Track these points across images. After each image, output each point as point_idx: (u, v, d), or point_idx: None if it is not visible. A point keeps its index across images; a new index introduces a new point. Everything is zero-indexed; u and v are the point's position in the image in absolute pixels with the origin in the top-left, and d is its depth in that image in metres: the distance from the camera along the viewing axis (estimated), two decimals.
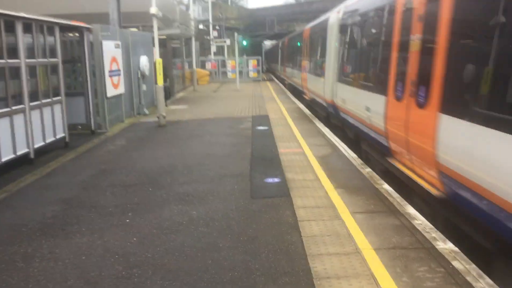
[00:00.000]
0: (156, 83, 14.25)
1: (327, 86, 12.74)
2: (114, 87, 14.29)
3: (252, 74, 34.90)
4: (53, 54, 10.72)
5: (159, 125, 14.02)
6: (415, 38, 6.20)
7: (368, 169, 7.83)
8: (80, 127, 13.43)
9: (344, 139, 10.86)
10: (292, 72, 25.11)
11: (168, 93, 19.79)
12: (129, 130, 13.55)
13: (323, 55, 14.14)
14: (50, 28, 10.57)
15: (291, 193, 6.58)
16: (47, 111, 10.25)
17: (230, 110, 17.33)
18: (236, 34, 27.81)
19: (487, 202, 4.16)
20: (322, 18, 15.96)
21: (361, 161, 8.43)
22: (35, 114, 9.73)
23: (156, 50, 14.15)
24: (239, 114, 15.97)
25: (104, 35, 13.75)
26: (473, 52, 4.75)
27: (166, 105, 19.25)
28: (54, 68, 10.83)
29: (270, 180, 7.35)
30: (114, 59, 14.28)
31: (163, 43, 25.00)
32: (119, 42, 14.83)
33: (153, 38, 19.18)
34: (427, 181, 5.73)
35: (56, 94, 10.85)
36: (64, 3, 24.12)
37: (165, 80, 24.68)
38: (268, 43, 74.67)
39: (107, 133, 13.02)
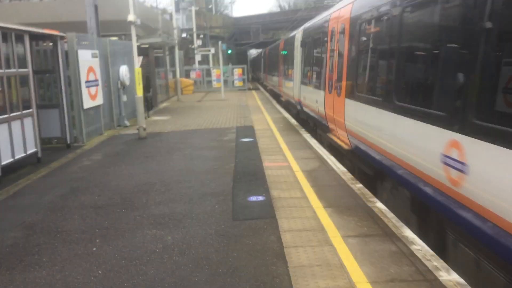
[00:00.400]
0: (137, 93, 13.64)
1: (295, 88, 16.08)
2: (92, 98, 13.65)
3: (237, 83, 34.41)
4: (23, 64, 10.08)
5: (139, 137, 13.40)
6: (334, 55, 9.84)
7: (359, 185, 7.32)
8: (55, 140, 12.78)
9: (330, 150, 10.39)
10: (271, 78, 28.76)
11: (151, 104, 19.17)
12: (107, 143, 12.90)
13: (292, 64, 17.11)
14: (19, 36, 9.93)
15: (277, 214, 6.03)
16: (16, 125, 9.58)
17: (214, 120, 16.77)
18: (220, 42, 27.29)
19: (365, 147, 7.30)
20: (292, 33, 18.87)
21: (351, 176, 7.93)
22: (2, 129, 9.06)
23: (135, 59, 13.57)
24: (223, 125, 15.42)
25: (81, 43, 13.14)
26: (354, 66, 8.17)
27: (148, 116, 18.66)
28: (24, 79, 10.19)
29: (253, 198, 6.79)
30: (91, 69, 13.65)
31: (145, 52, 24.44)
32: (96, 51, 14.21)
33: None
34: (344, 142, 9.08)
35: (27, 106, 10.20)
36: (42, 12, 23.48)
37: (148, 90, 24.14)
38: (253, 52, 74.43)
39: (83, 147, 12.36)
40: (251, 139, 12.21)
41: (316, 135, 12.85)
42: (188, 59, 42.50)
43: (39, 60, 12.76)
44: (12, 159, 9.33)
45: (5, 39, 9.44)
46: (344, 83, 8.76)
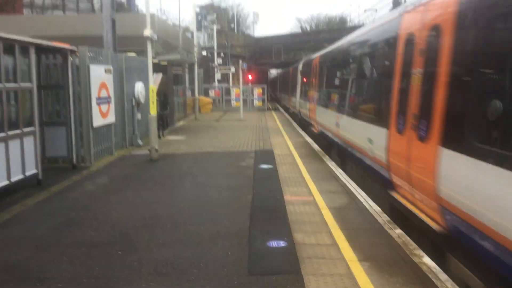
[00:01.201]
0: (151, 112, 12.80)
1: (297, 102, 24.26)
2: (103, 116, 12.85)
3: (257, 103, 33.59)
4: (26, 78, 9.31)
5: (151, 159, 12.51)
6: (318, 81, 16.05)
7: (398, 231, 6.22)
8: (61, 160, 11.96)
9: (359, 183, 9.30)
10: (283, 96, 36.92)
11: (166, 122, 18.37)
12: (116, 165, 12.03)
13: (296, 85, 25.01)
14: (24, 48, 9.19)
15: (302, 268, 4.97)
16: (14, 144, 8.73)
17: (232, 143, 15.83)
18: (240, 61, 26.59)
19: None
20: (297, 63, 26.70)
21: (388, 218, 6.82)
22: None
23: (150, 76, 12.76)
24: (241, 148, 14.46)
25: (93, 57, 12.41)
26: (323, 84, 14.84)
27: (163, 135, 17.84)
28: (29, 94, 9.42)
29: (274, 243, 5.75)
30: (103, 85, 12.89)
31: (164, 69, 23.80)
32: (110, 67, 13.47)
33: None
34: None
35: (30, 123, 9.39)
36: (61, 25, 23.09)
37: (165, 108, 23.40)
38: (273, 72, 73.97)
39: (90, 168, 11.50)
40: (271, 166, 11.19)
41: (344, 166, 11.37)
42: (208, 77, 42.00)
43: (49, 74, 12.06)
44: (7, 182, 8.47)
45: (9, 51, 8.70)
46: (312, 98, 16.29)
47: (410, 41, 6.40)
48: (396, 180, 6.59)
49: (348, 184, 9.16)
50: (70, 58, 11.41)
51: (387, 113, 7.06)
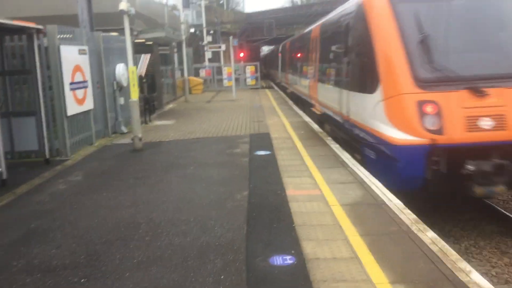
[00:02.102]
0: (132, 96, 11.45)
1: (281, 75, 30.84)
2: (78, 102, 11.52)
3: (250, 81, 32.12)
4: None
5: (134, 149, 11.23)
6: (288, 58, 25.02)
7: (431, 234, 5.03)
8: (33, 155, 10.67)
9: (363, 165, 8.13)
10: (273, 72, 41.59)
11: (153, 106, 17.00)
12: (95, 157, 10.75)
13: (278, 61, 32.10)
14: None
15: None
16: None
17: (224, 126, 14.55)
18: (231, 38, 25.08)
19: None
20: (282, 43, 32.51)
21: (415, 217, 5.62)
22: None
23: (130, 55, 11.37)
24: (235, 132, 13.19)
25: (64, 38, 11.02)
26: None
27: (150, 121, 16.53)
28: None
29: (278, 260, 4.54)
30: (78, 68, 11.51)
31: (149, 50, 22.32)
32: (85, 48, 12.08)
33: (133, 43, 16.53)
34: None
35: None
36: (35, 4, 21.41)
37: (153, 91, 22.00)
38: (265, 48, 72.01)
39: (65, 162, 10.23)
40: (268, 152, 9.95)
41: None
42: (198, 56, 40.32)
43: (14, 58, 10.69)
44: None
45: None
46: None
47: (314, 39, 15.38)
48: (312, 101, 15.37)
49: (358, 171, 7.94)
50: (36, 39, 10.02)
51: (308, 72, 16.38)
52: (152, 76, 22.95)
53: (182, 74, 27.41)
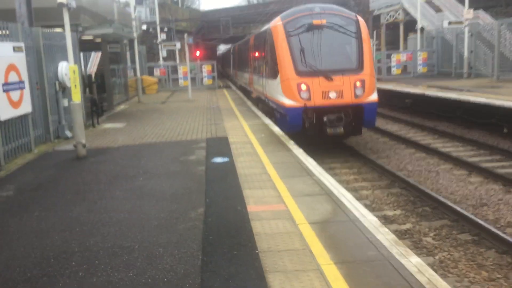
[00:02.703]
0: (73, 99, 10.31)
1: (232, 72, 35.05)
2: (13, 105, 10.28)
3: (206, 81, 31.12)
4: None
5: (77, 157, 10.12)
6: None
7: (415, 259, 4.36)
8: None
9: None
10: (229, 71, 41.94)
11: (101, 108, 15.79)
12: (32, 167, 9.58)
13: (230, 60, 36.10)
14: None
15: None
16: None
17: (179, 129, 13.59)
18: (186, 35, 24.03)
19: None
20: (232, 46, 37.18)
21: (394, 237, 4.94)
22: None
23: (70, 52, 10.24)
24: (190, 136, 12.27)
25: None
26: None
27: (98, 124, 15.32)
28: None
29: None
30: (12, 67, 10.27)
31: (97, 47, 20.98)
32: (21, 44, 10.83)
33: (78, 40, 15.30)
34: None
35: None
36: None
37: (103, 91, 20.68)
38: (222, 47, 71.01)
39: None
40: (226, 159, 9.12)
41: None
42: (153, 55, 38.92)
43: None
44: None
45: None
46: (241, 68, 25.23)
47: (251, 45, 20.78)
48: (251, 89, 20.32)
49: (325, 181, 7.25)
50: None
51: (247, 68, 21.55)
52: (102, 76, 21.66)
53: (135, 73, 26.12)
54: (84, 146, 10.17)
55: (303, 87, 12.22)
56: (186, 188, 7.21)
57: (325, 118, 12.28)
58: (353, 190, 9.98)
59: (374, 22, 38.32)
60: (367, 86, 12.45)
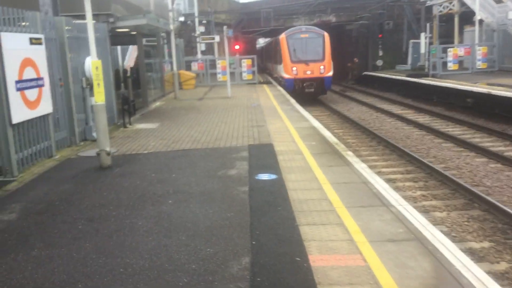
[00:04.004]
0: (95, 99, 8.91)
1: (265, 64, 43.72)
2: (30, 106, 8.99)
3: (246, 76, 29.52)
4: None
5: (101, 166, 8.75)
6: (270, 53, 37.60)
7: None
8: None
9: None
10: (270, 65, 43.38)
11: (133, 106, 14.45)
12: (48, 178, 8.25)
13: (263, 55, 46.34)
14: None
15: None
16: None
17: (217, 132, 12.07)
18: (225, 27, 22.51)
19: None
20: (268, 39, 48.86)
21: None
22: None
23: (92, 45, 8.84)
24: (229, 142, 10.71)
25: (9, 22, 8.47)
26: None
27: (130, 124, 14.01)
28: None
29: None
30: (28, 62, 8.98)
31: (132, 40, 19.74)
32: (40, 36, 9.54)
33: (108, 31, 14.01)
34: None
35: None
36: None
37: (139, 86, 19.43)
38: (261, 41, 69.23)
39: (8, 185, 7.76)
40: (274, 176, 7.49)
41: None
42: (191, 49, 37.69)
43: None
44: None
45: None
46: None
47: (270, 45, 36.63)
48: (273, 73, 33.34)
49: (407, 215, 5.49)
50: None
51: (271, 60, 35.19)
52: (137, 71, 20.45)
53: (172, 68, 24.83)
54: (108, 154, 8.77)
55: (294, 68, 24.52)
56: (225, 219, 5.62)
57: (304, 84, 24.51)
58: (424, 212, 8.16)
59: (426, 13, 35.67)
60: (326, 68, 24.46)
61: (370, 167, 10.09)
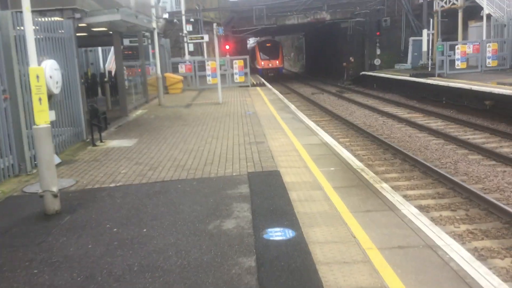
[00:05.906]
0: (36, 121, 6.43)
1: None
2: None
3: (238, 78, 27.06)
4: None
5: (45, 213, 6.30)
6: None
7: None
8: None
9: None
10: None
11: (104, 120, 11.91)
12: None
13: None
14: None
15: None
16: None
17: (207, 153, 9.66)
18: (215, 25, 20.13)
19: None
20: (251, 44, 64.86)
21: None
22: None
23: (32, 48, 6.35)
24: (223, 168, 8.30)
25: None
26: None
27: (101, 141, 11.55)
28: None
29: None
30: None
31: (106, 41, 17.25)
32: None
33: (75, 29, 11.59)
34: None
35: None
36: None
37: (116, 93, 16.96)
38: (252, 41, 66.83)
39: None
40: (291, 234, 5.10)
41: None
42: (178, 49, 35.20)
43: None
44: None
45: None
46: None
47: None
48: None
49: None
50: None
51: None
52: (114, 75, 17.97)
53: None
54: (55, 196, 6.31)
55: (263, 63, 45.20)
56: None
57: (269, 71, 44.76)
58: (480, 258, 5.83)
59: (428, 9, 33.49)
60: (279, 63, 46.27)
61: (393, 188, 7.79)
